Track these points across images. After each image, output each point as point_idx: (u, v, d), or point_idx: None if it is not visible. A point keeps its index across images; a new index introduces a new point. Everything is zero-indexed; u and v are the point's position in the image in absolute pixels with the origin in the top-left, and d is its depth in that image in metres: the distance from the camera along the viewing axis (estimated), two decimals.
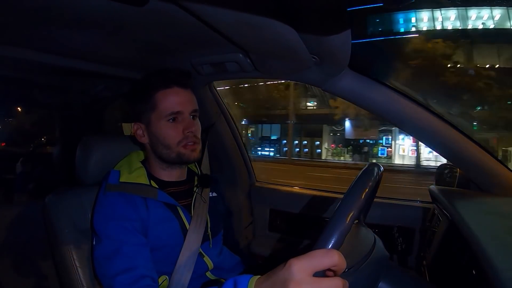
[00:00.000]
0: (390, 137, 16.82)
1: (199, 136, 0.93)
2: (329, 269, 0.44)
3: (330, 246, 0.46)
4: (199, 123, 0.94)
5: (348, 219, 0.49)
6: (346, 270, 0.56)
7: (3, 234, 1.20)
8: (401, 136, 16.45)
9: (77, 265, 0.88)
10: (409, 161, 15.92)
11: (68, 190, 0.97)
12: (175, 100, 0.89)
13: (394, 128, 15.37)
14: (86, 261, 0.88)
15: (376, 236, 0.74)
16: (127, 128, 0.96)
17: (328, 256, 0.43)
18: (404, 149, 16.62)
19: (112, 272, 0.74)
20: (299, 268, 0.43)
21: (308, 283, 0.42)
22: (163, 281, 0.86)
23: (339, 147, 17.60)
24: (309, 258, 0.43)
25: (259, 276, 0.49)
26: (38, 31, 0.88)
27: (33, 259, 1.22)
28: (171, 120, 0.88)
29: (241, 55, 1.01)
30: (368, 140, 17.02)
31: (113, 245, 0.77)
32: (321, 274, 0.43)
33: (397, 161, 16.35)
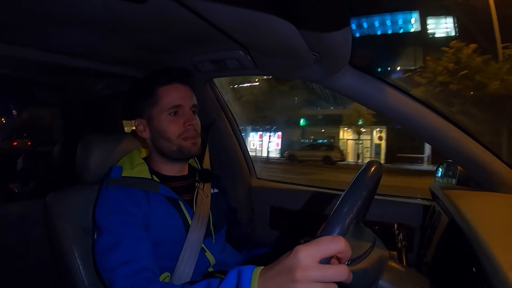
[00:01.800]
0: (244, 134, 20.06)
1: (199, 130, 0.94)
2: (333, 258, 0.44)
3: (336, 233, 0.47)
4: (199, 119, 0.96)
5: (354, 207, 0.49)
6: (348, 262, 0.57)
7: (4, 233, 1.20)
8: (252, 133, 20.65)
9: (79, 263, 0.88)
10: (257, 153, 20.29)
11: (69, 188, 0.97)
12: (176, 94, 0.91)
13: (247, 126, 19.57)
14: (88, 259, 0.88)
15: (375, 235, 0.74)
16: (128, 126, 0.97)
17: (335, 243, 0.43)
18: (253, 143, 20.63)
19: (112, 264, 0.75)
20: (306, 254, 0.43)
21: (315, 269, 0.42)
22: (164, 278, 0.86)
23: None
24: (316, 245, 0.43)
25: (263, 266, 0.49)
26: (38, 30, 0.88)
27: (34, 258, 1.23)
28: (172, 114, 0.91)
29: (241, 53, 1.01)
30: None
31: (114, 237, 0.78)
32: (326, 261, 0.43)
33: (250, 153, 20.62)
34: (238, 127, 1.58)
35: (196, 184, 1.00)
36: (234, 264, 1.01)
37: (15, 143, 3.12)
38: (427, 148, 14.70)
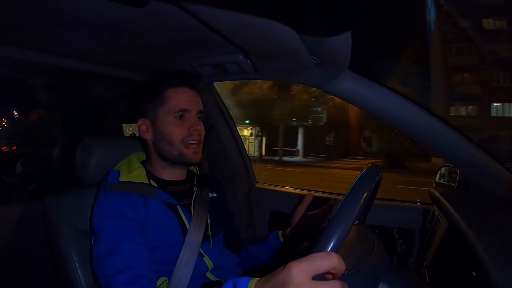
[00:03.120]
0: None
1: (203, 137, 0.94)
2: (328, 272, 0.44)
3: (329, 249, 0.46)
4: (203, 125, 0.95)
5: (348, 222, 0.48)
6: (346, 272, 0.56)
7: (2, 235, 1.20)
8: None
9: (77, 266, 0.88)
10: None
11: (68, 190, 0.97)
12: (184, 98, 0.91)
13: None
14: (86, 261, 0.88)
15: (376, 237, 0.74)
16: (127, 129, 0.97)
17: (327, 259, 0.43)
18: None
19: (110, 271, 0.74)
20: (298, 270, 0.43)
21: (307, 286, 0.43)
22: (162, 283, 0.86)
23: None
24: (309, 261, 0.44)
25: (258, 278, 0.49)
26: (39, 32, 0.88)
27: (32, 260, 1.22)
28: (178, 117, 0.90)
29: (241, 56, 1.01)
30: None
31: (111, 244, 0.77)
32: (320, 277, 0.43)
33: None
34: (238, 132, 1.58)
35: (194, 188, 1.00)
36: (231, 268, 1.01)
37: (3, 148, 3.22)
38: (299, 142, 16.82)
